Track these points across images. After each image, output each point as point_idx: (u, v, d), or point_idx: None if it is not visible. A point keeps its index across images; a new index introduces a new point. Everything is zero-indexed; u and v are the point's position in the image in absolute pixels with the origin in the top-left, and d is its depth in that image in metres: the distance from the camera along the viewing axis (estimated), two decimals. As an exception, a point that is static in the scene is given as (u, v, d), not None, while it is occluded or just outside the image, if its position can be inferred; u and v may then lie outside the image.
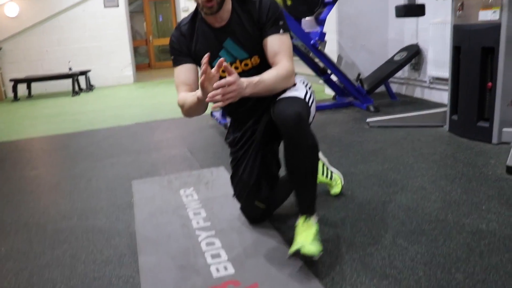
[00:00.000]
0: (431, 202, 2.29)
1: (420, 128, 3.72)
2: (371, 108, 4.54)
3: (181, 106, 1.83)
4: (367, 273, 1.69)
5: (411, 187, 2.51)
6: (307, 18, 4.79)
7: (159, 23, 12.81)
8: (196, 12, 1.91)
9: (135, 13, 11.99)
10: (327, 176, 2.38)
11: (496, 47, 3.09)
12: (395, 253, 1.82)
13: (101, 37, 9.11)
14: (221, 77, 1.84)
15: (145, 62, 12.59)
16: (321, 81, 5.34)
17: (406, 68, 5.26)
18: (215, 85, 1.53)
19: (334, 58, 5.20)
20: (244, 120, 2.04)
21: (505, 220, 2.04)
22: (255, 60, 1.89)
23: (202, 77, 1.58)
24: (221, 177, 2.84)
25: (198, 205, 2.43)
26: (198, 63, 1.89)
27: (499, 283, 1.56)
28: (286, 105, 1.69)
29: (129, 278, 1.80)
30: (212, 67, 1.62)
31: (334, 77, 4.97)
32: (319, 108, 4.73)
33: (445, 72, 4.32)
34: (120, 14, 9.18)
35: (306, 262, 1.75)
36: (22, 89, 8.28)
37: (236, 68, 1.89)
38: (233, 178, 2.09)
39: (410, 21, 5.15)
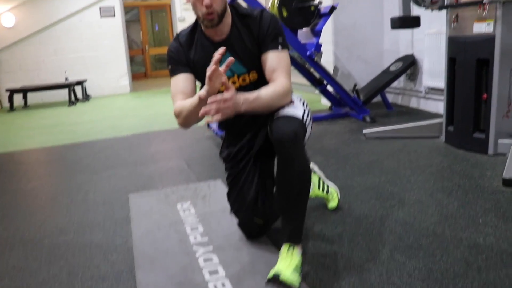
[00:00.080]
0: (428, 216, 2.29)
1: (417, 139, 3.74)
2: (367, 119, 4.55)
3: (178, 114, 1.78)
4: (365, 289, 1.69)
5: (408, 200, 2.52)
6: (303, 29, 4.82)
7: (155, 32, 12.85)
8: (195, 25, 1.90)
9: (131, 22, 12.03)
10: (323, 190, 2.38)
11: (491, 59, 3.12)
12: (392, 268, 1.82)
13: (98, 47, 9.14)
14: (219, 92, 1.85)
15: (141, 71, 12.61)
16: (317, 92, 5.36)
17: (402, 78, 5.29)
18: (209, 100, 1.52)
19: (330, 68, 5.23)
20: (240, 135, 2.03)
21: (502, 234, 2.04)
22: (253, 75, 1.89)
23: (211, 69, 1.54)
24: (218, 191, 2.84)
25: (195, 220, 2.43)
26: (196, 74, 1.89)
27: (496, 300, 1.56)
28: (283, 123, 1.68)
29: (126, 295, 1.79)
30: None
31: (330, 88, 4.98)
32: (315, 119, 4.75)
33: (441, 82, 4.35)
34: (116, 24, 9.21)
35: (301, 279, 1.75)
36: (18, 99, 8.28)
37: (234, 82, 1.88)
38: (230, 194, 2.08)
39: (405, 32, 5.19)
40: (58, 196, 3.09)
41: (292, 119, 1.70)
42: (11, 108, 8.01)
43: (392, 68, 5.12)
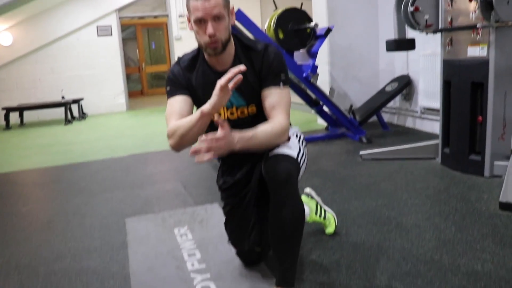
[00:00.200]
0: (425, 241, 2.29)
1: (413, 160, 3.75)
2: (364, 140, 4.57)
3: (172, 133, 1.70)
4: (364, 320, 1.68)
5: (405, 225, 2.52)
6: (300, 50, 4.86)
7: (151, 50, 12.92)
8: (198, 51, 1.87)
9: (128, 39, 12.10)
10: (320, 215, 2.38)
11: (485, 82, 3.15)
12: (391, 297, 1.81)
13: (94, 66, 9.18)
14: (214, 123, 1.85)
15: (137, 88, 12.64)
16: (313, 111, 5.39)
17: (398, 98, 5.33)
18: (200, 138, 1.50)
19: (326, 89, 5.26)
20: (236, 167, 1.99)
21: (500, 260, 2.04)
22: (252, 109, 1.86)
23: (225, 79, 1.52)
24: (215, 215, 2.83)
25: (193, 246, 2.42)
26: (194, 99, 1.85)
27: (496, 331, 1.56)
28: (277, 163, 1.66)
29: (123, 326, 1.77)
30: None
31: (326, 108, 5.01)
32: (312, 140, 4.78)
33: (436, 102, 4.39)
34: (113, 42, 9.27)
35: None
36: (14, 116, 8.28)
37: (232, 114, 1.86)
38: (227, 224, 2.07)
39: (400, 53, 5.23)
40: (54, 220, 3.07)
41: (286, 158, 1.69)
42: (7, 126, 8.00)
43: (388, 89, 5.16)
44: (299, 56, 4.92)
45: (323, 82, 5.31)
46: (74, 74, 9.07)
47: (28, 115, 8.53)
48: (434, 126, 4.75)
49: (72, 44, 9.01)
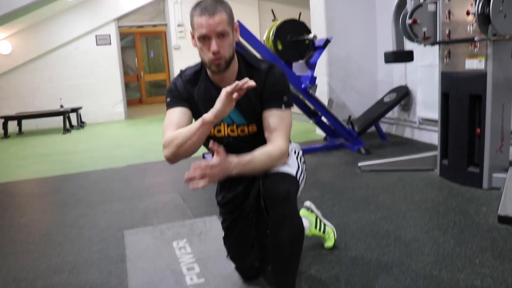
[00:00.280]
0: (424, 255, 2.29)
1: (411, 172, 3.76)
2: (362, 150, 4.58)
3: (169, 142, 1.67)
4: (363, 337, 1.67)
5: (404, 238, 2.52)
6: (298, 61, 4.88)
7: (150, 59, 12.94)
8: (201, 67, 1.84)
9: (126, 48, 12.12)
10: (320, 229, 2.38)
11: (483, 95, 3.17)
12: (390, 313, 1.81)
13: (93, 74, 9.18)
14: (215, 137, 1.85)
15: (136, 97, 12.65)
16: (311, 122, 5.40)
17: (396, 108, 5.34)
18: (193, 166, 1.48)
19: (324, 99, 5.28)
20: (234, 182, 1.97)
21: (499, 275, 2.04)
22: (252, 128, 1.84)
23: (232, 87, 1.51)
24: (214, 228, 2.82)
25: (192, 260, 2.41)
26: (193, 112, 1.82)
27: None
28: (277, 181, 1.65)
29: None
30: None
31: (325, 119, 5.02)
32: (311, 150, 4.78)
33: (434, 113, 4.40)
34: (112, 51, 9.28)
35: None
36: (12, 125, 8.26)
37: (232, 131, 1.84)
38: (225, 240, 2.06)
39: (398, 63, 5.25)
40: (52, 232, 3.06)
41: (285, 176, 1.67)
42: (5, 135, 7.98)
43: (386, 99, 5.18)
44: (298, 67, 4.93)
45: (321, 93, 5.33)
46: (73, 83, 9.07)
47: (27, 124, 8.52)
48: (432, 136, 4.76)
49: (71, 53, 9.02)
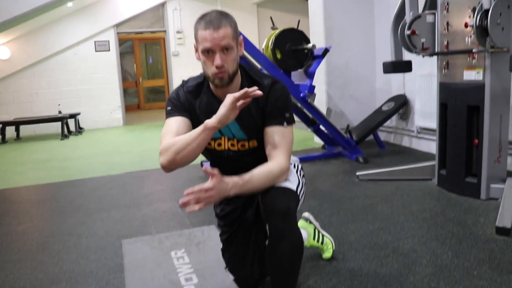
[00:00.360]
0: (422, 267, 2.29)
1: (409, 181, 3.76)
2: (360, 159, 4.58)
3: (167, 149, 1.63)
4: None
5: (402, 249, 2.52)
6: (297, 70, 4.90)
7: (149, 65, 12.96)
8: (203, 79, 1.82)
9: (125, 53, 12.14)
10: (318, 240, 2.38)
11: (481, 106, 3.18)
12: (389, 326, 1.80)
13: (92, 80, 9.20)
14: (215, 150, 1.85)
15: (134, 102, 12.65)
16: (310, 129, 5.41)
17: (394, 117, 5.36)
18: (186, 191, 1.46)
19: (323, 107, 5.29)
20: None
21: (498, 287, 2.05)
22: (253, 143, 1.83)
23: (240, 94, 1.49)
24: (212, 237, 2.82)
25: (190, 270, 2.40)
26: (193, 122, 1.78)
27: None
28: (277, 196, 1.64)
29: None
30: (212, 138, 1.62)
31: (323, 127, 5.03)
32: (309, 159, 4.78)
33: (432, 122, 4.42)
34: (111, 58, 9.30)
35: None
36: (10, 130, 8.26)
37: (233, 145, 1.84)
38: (224, 252, 2.06)
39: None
40: (50, 240, 3.05)
41: (286, 191, 1.66)
42: (3, 140, 7.97)
43: (385, 108, 5.19)
44: (297, 76, 4.95)
45: (320, 101, 5.34)
46: (71, 88, 9.08)
47: (25, 129, 8.51)
48: (430, 145, 4.78)
49: (69, 59, 9.04)
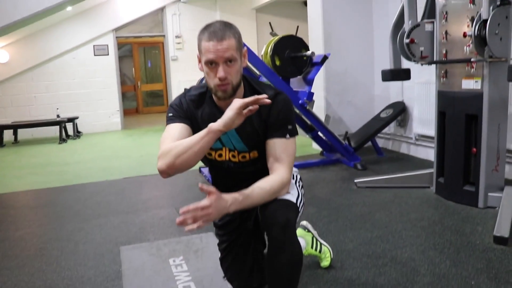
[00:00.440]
0: (420, 276, 2.30)
1: (407, 189, 3.77)
2: (359, 166, 4.59)
3: (166, 153, 1.61)
4: None
5: (400, 258, 2.52)
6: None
7: (147, 68, 12.97)
8: (206, 90, 1.80)
9: (124, 57, 12.15)
10: (316, 249, 2.38)
11: (479, 115, 3.19)
12: (387, 336, 1.81)
13: (90, 84, 9.19)
14: (216, 161, 1.85)
15: (132, 106, 12.65)
16: (308, 136, 5.41)
17: (392, 124, 5.37)
18: (182, 210, 1.45)
19: (321, 113, 5.30)
20: None
21: (495, 298, 2.05)
22: (254, 154, 1.82)
23: (248, 100, 1.49)
24: (210, 244, 2.82)
25: (188, 278, 2.40)
26: (193, 130, 1.76)
27: None
28: (277, 208, 1.63)
29: None
30: (213, 149, 1.62)
31: (321, 134, 5.03)
32: (307, 165, 4.79)
33: (430, 129, 4.44)
34: (110, 62, 9.30)
35: None
36: (8, 133, 8.25)
37: (234, 156, 1.83)
38: (223, 262, 2.06)
39: (395, 80, 5.30)
40: (48, 246, 3.04)
41: (285, 203, 1.66)
42: (1, 144, 7.95)
43: (383, 115, 5.21)
44: (295, 82, 4.96)
45: (318, 107, 5.36)
46: (70, 92, 9.07)
47: (22, 132, 8.50)
48: (428, 152, 4.79)
49: (68, 62, 9.03)
